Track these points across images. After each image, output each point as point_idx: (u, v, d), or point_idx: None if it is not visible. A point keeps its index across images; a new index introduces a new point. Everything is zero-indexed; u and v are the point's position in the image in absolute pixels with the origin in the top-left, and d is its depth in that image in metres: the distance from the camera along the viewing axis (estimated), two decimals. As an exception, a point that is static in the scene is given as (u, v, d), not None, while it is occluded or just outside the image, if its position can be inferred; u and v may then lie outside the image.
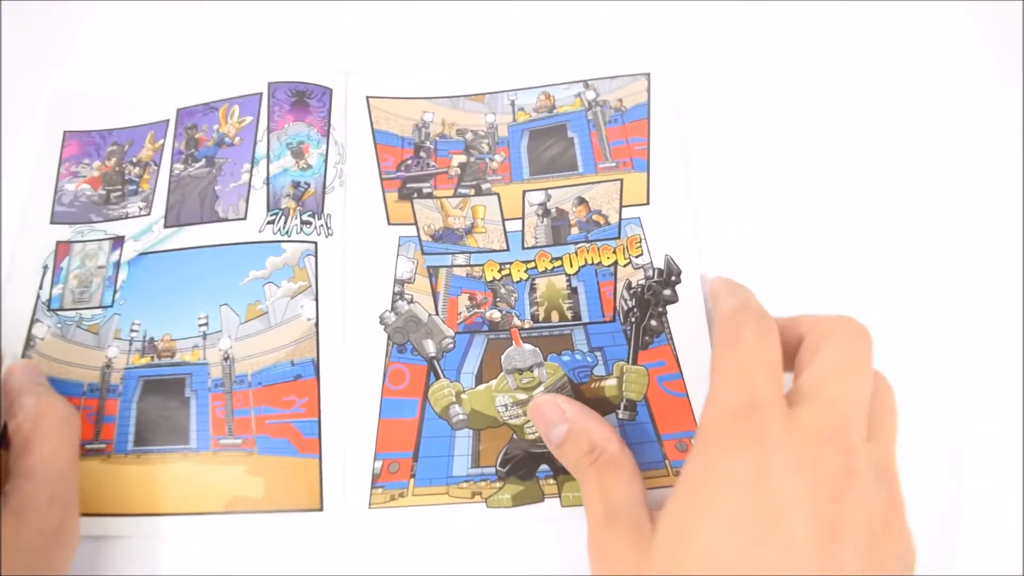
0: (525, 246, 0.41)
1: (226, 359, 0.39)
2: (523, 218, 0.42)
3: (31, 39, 0.48)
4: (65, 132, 0.45)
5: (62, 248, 0.42)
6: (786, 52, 0.46)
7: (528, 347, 0.39)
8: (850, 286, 0.40)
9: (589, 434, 0.33)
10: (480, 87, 0.45)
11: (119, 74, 0.47)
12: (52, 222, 0.43)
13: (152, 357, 0.40)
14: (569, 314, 0.40)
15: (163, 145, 0.44)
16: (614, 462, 0.32)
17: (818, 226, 0.42)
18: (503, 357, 0.39)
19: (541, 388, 0.38)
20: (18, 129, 0.45)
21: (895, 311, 0.39)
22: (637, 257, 0.40)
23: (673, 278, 0.39)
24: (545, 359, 0.39)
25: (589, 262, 0.41)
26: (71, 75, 0.47)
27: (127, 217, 0.43)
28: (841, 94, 0.45)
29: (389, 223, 0.42)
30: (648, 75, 0.44)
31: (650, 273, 0.40)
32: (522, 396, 0.38)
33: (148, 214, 0.43)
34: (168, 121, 0.45)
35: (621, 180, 0.42)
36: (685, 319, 0.38)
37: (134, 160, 0.44)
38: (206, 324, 0.40)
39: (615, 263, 0.41)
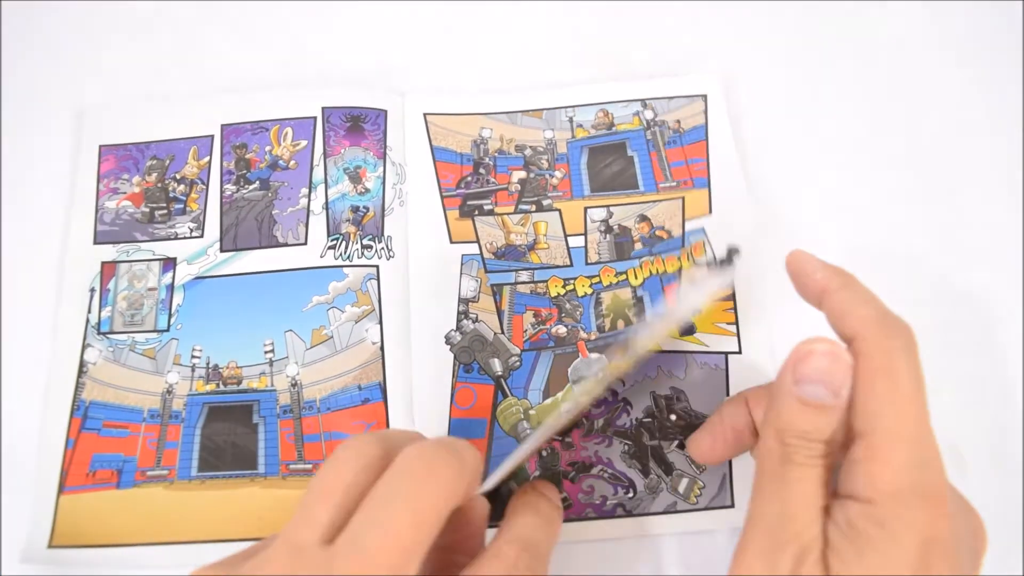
0: (588, 261, 0.41)
1: (294, 385, 0.39)
2: (585, 234, 0.42)
3: (61, 50, 0.47)
4: (100, 146, 0.44)
5: (108, 269, 0.42)
6: (845, 73, 0.46)
7: (594, 356, 0.39)
8: (905, 289, 0.40)
9: (837, 430, 0.27)
10: (537, 103, 0.45)
11: (152, 85, 0.46)
12: (95, 242, 0.42)
13: (217, 384, 0.39)
14: (635, 320, 0.40)
15: (209, 163, 0.44)
16: (825, 477, 0.28)
17: (878, 232, 0.42)
18: (570, 369, 0.39)
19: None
20: (51, 147, 0.45)
21: (945, 310, 0.40)
22: (700, 258, 0.40)
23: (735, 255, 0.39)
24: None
25: (654, 273, 0.41)
26: (103, 88, 0.46)
27: (176, 238, 0.42)
28: (891, 107, 0.45)
29: (451, 242, 0.42)
30: (705, 97, 0.44)
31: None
32: (585, 400, 0.38)
33: (200, 236, 0.42)
34: (212, 137, 0.44)
35: (683, 198, 0.42)
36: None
37: (177, 177, 0.43)
38: (272, 351, 0.40)
39: (680, 269, 0.41)
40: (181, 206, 0.43)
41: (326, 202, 0.43)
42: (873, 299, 0.29)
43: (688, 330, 0.39)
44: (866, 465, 0.26)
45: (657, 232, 0.42)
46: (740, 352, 0.39)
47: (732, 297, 0.40)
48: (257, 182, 0.43)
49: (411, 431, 0.30)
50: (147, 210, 0.43)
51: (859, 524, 0.26)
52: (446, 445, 0.26)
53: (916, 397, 0.26)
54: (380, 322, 0.40)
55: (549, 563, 0.29)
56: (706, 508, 0.37)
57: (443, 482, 0.25)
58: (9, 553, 0.36)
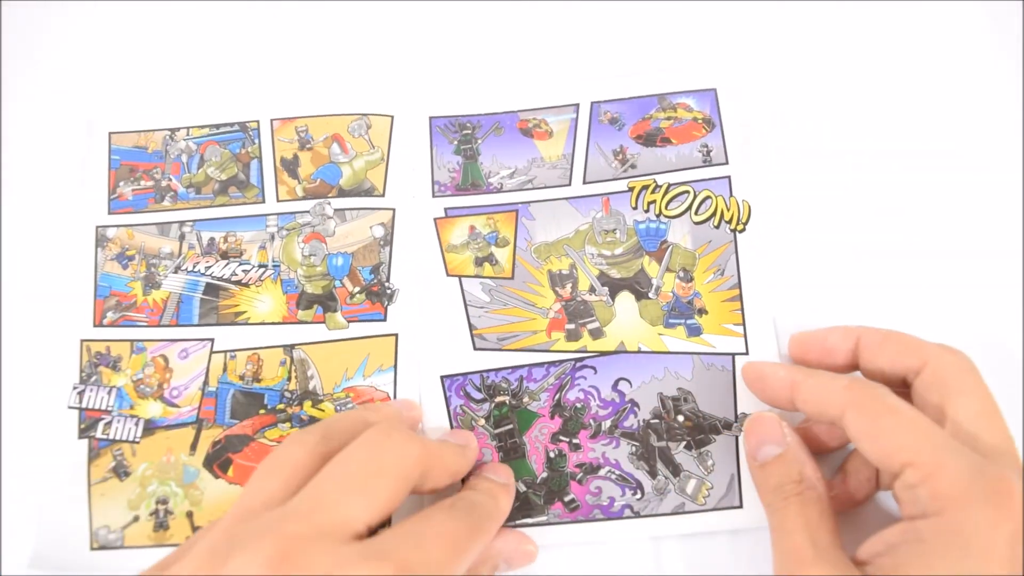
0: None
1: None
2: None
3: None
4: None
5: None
6: (852, 65, 0.45)
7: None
8: (912, 289, 0.40)
9: (803, 465, 0.32)
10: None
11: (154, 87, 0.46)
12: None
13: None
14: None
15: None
16: (821, 502, 0.31)
17: (885, 237, 0.41)
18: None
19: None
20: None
21: (945, 316, 0.40)
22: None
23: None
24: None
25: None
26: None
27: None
28: (905, 104, 0.44)
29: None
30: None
31: None
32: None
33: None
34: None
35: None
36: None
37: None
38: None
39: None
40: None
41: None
42: (836, 375, 0.32)
43: (695, 331, 0.39)
44: (924, 486, 0.28)
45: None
46: (747, 353, 0.39)
47: (739, 298, 0.40)
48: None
49: (363, 415, 0.33)
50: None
51: (930, 537, 0.27)
52: (399, 427, 0.31)
53: (922, 419, 0.29)
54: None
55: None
56: (714, 509, 0.37)
57: (399, 454, 0.29)
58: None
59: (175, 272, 0.41)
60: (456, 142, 0.44)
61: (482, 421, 0.38)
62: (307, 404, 0.39)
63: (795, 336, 0.37)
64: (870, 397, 0.30)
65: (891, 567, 0.28)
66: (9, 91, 0.46)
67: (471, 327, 0.40)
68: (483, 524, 0.31)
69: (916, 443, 0.28)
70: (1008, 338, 0.40)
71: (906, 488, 0.29)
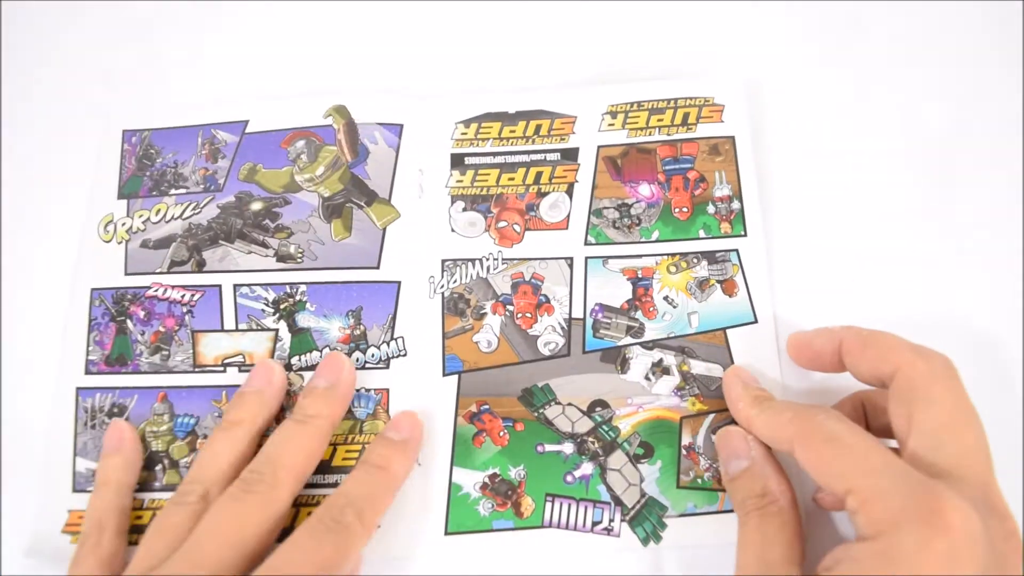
0: None
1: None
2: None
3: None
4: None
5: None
6: (853, 71, 0.45)
7: None
8: (919, 293, 0.40)
9: (766, 479, 0.33)
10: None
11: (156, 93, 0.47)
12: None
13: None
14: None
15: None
16: (781, 515, 0.32)
17: (889, 243, 0.41)
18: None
19: None
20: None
21: (958, 331, 0.39)
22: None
23: None
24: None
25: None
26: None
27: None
28: (906, 108, 0.44)
29: None
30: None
31: None
32: None
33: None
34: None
35: None
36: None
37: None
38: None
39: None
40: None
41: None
42: (786, 407, 0.33)
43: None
44: (861, 513, 0.28)
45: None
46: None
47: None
48: None
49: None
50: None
51: (863, 558, 0.27)
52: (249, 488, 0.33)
53: (861, 445, 0.29)
54: None
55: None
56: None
57: (247, 515, 0.32)
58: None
59: None
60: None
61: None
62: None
63: (791, 338, 0.37)
64: (811, 428, 0.31)
65: None
66: (34, 88, 0.48)
67: None
68: (349, 542, 0.32)
69: (853, 471, 0.29)
70: (1009, 339, 0.39)
71: (850, 514, 0.29)
